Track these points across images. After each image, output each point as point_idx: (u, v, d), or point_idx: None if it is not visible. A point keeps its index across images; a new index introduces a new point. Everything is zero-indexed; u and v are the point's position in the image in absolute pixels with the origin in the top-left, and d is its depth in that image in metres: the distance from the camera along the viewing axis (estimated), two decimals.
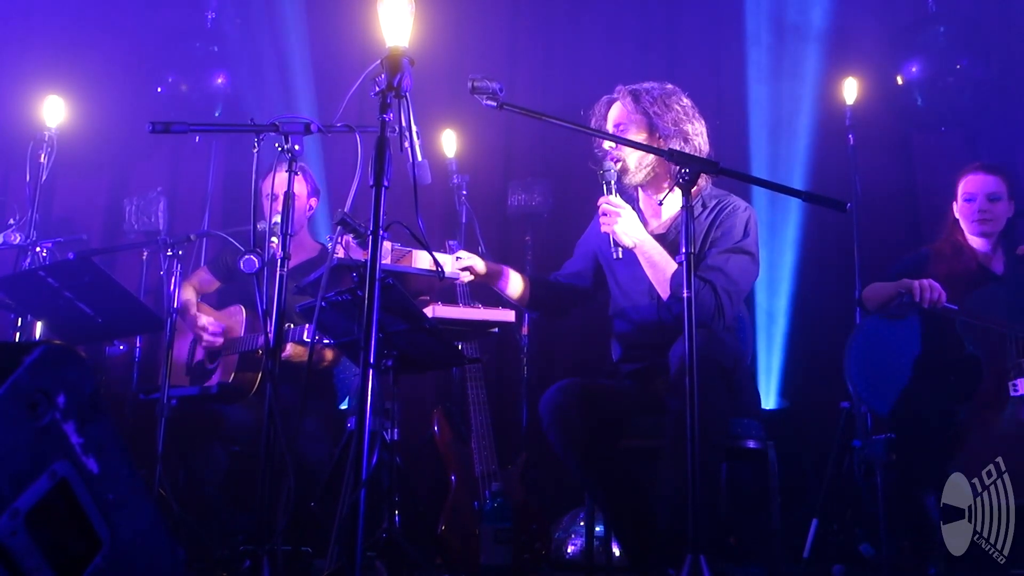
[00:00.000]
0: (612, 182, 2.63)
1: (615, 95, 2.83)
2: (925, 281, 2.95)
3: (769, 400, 4.25)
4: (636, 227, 2.59)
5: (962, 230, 3.26)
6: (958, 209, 3.26)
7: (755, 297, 4.34)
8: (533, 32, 4.98)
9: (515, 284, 2.87)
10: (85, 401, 1.41)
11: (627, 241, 2.57)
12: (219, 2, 4.86)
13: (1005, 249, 3.17)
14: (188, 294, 3.56)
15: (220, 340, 3.41)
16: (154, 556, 1.53)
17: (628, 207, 2.61)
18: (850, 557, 3.41)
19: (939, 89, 4.20)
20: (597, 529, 3.15)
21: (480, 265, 2.75)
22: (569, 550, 3.55)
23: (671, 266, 2.58)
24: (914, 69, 4.24)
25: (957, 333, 2.99)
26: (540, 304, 2.97)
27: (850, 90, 4.11)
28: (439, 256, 2.39)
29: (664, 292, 2.62)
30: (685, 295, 2.13)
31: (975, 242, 3.23)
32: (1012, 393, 2.79)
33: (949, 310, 2.94)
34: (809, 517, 3.52)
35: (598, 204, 2.62)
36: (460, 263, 2.71)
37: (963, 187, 3.24)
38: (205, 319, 3.43)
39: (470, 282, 2.81)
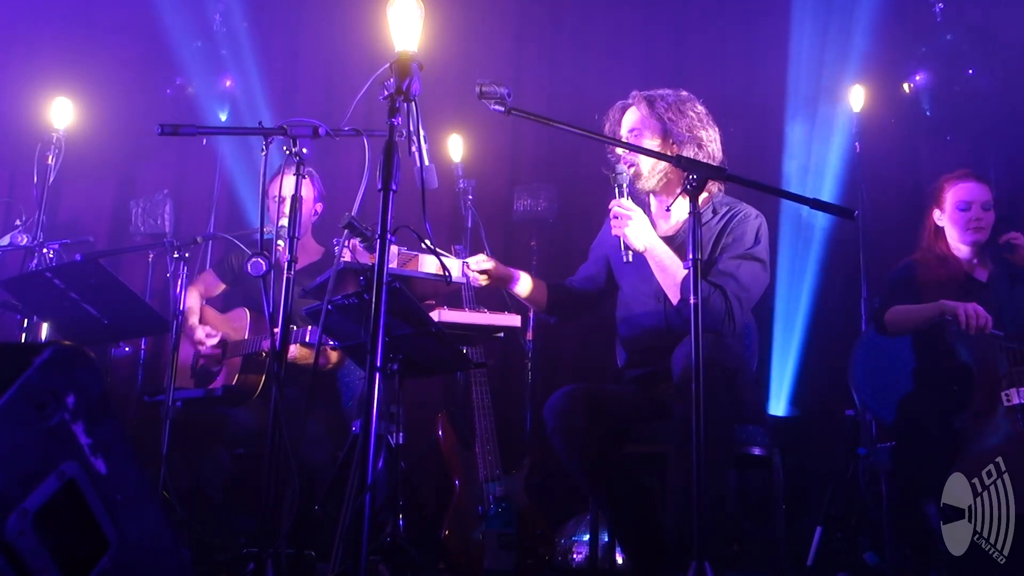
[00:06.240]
0: (624, 185, 2.62)
1: (630, 100, 2.82)
2: (970, 307, 2.81)
3: (780, 407, 4.23)
4: (647, 230, 2.58)
5: (945, 238, 3.20)
6: (946, 217, 3.18)
7: (774, 304, 4.32)
8: (540, 38, 4.99)
9: (531, 288, 2.82)
10: (94, 402, 1.41)
11: (638, 244, 2.56)
12: (227, 4, 4.87)
13: (991, 256, 3.12)
14: (192, 300, 3.55)
15: (217, 352, 3.42)
16: (160, 558, 1.53)
17: (639, 210, 2.60)
18: (854, 565, 3.40)
19: (946, 97, 4.20)
20: (604, 538, 3.14)
21: (496, 268, 2.71)
22: (574, 557, 3.54)
23: (682, 271, 2.56)
24: (920, 77, 4.24)
25: (948, 342, 2.97)
26: (558, 308, 2.92)
27: (857, 98, 4.12)
28: (446, 260, 2.39)
29: (674, 296, 2.60)
30: (692, 301, 2.13)
31: (960, 251, 3.17)
32: (1006, 403, 2.77)
33: (996, 336, 2.84)
34: (813, 525, 3.52)
35: (609, 207, 2.60)
36: (479, 265, 2.67)
37: (954, 195, 3.15)
38: (200, 332, 3.43)
39: (485, 286, 2.76)
